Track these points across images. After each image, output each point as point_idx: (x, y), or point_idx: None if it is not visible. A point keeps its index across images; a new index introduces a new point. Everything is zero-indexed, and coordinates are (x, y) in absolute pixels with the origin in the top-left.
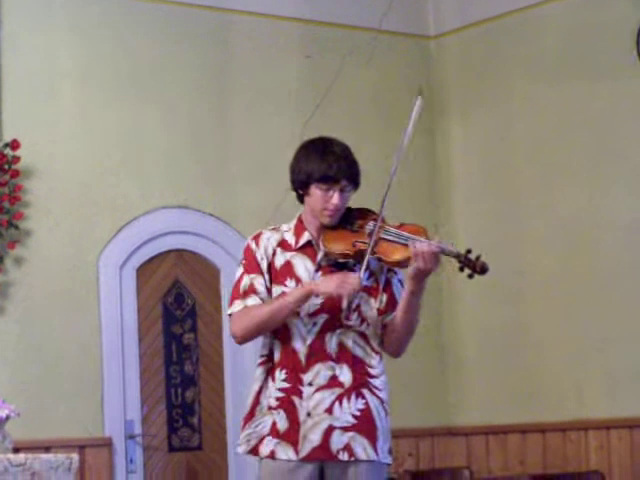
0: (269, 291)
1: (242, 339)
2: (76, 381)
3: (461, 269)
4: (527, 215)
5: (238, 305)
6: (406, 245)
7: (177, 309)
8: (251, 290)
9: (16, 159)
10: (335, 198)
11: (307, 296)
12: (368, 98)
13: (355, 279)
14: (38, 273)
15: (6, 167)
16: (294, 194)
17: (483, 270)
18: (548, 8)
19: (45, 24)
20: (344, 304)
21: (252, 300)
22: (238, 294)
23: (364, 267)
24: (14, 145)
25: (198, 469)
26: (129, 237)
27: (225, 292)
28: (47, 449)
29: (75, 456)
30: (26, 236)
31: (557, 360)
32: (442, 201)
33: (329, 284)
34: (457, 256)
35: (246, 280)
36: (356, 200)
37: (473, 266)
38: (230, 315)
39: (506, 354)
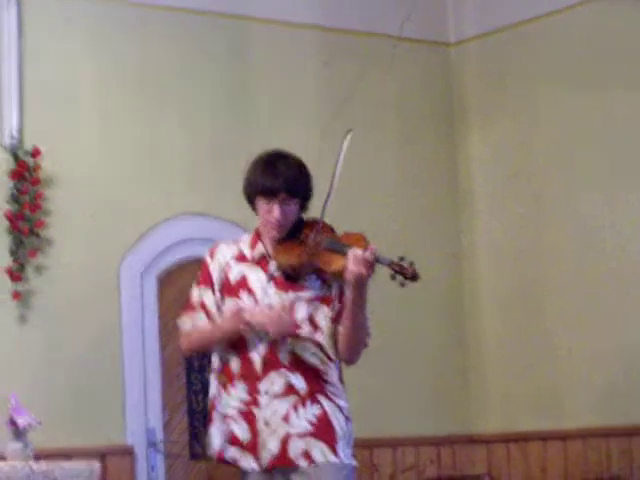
0: (218, 306)
1: (189, 354)
2: (98, 389)
3: (392, 277)
4: (549, 222)
5: (186, 322)
6: (344, 254)
7: None
8: (200, 306)
9: (37, 167)
10: (275, 211)
11: (241, 323)
12: (388, 106)
13: (289, 322)
14: (59, 281)
15: (27, 175)
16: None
17: (414, 277)
18: (569, 15)
19: (65, 34)
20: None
21: (199, 319)
22: (190, 308)
23: (305, 277)
24: (35, 153)
25: (219, 477)
26: (150, 245)
27: None
28: (69, 457)
29: (96, 464)
30: (47, 244)
31: (578, 367)
32: (463, 209)
33: (264, 318)
34: (390, 264)
35: (197, 294)
36: (371, 206)
37: (404, 273)
38: (180, 330)
39: (527, 361)
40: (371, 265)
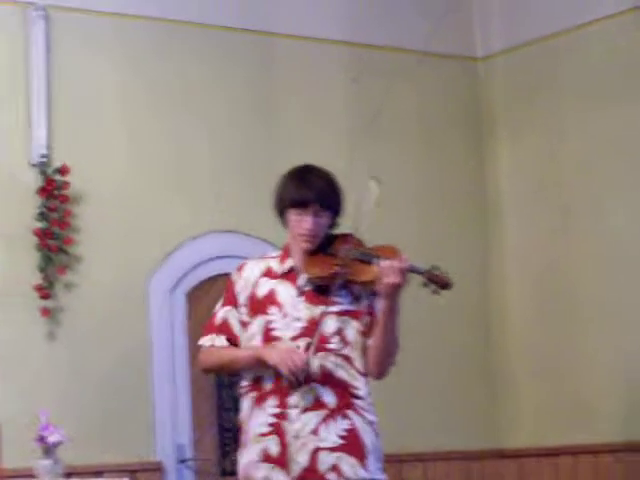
0: (245, 324)
1: (207, 372)
2: (127, 406)
3: (425, 285)
4: (578, 234)
5: (209, 341)
6: (375, 264)
7: None
8: (224, 326)
9: (65, 184)
10: (307, 222)
11: (257, 359)
12: (416, 120)
13: (299, 358)
14: (88, 298)
15: (55, 193)
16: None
17: (446, 285)
18: (597, 28)
19: (93, 50)
20: (285, 375)
21: (220, 340)
22: (212, 327)
23: (335, 290)
24: (63, 170)
25: None
26: (179, 262)
27: None
28: (98, 474)
29: None
30: (76, 262)
31: (608, 380)
32: (492, 221)
33: (275, 356)
34: (422, 273)
35: (222, 313)
36: (401, 219)
37: (436, 281)
38: (200, 345)
39: (557, 374)
40: (404, 274)
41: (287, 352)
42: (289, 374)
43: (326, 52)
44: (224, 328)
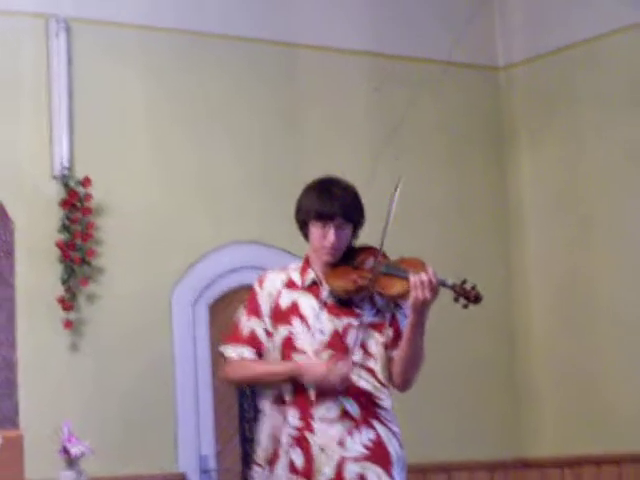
0: (270, 334)
1: (237, 385)
2: (150, 417)
3: (456, 299)
4: (599, 244)
5: (235, 352)
6: (405, 278)
7: None
8: (250, 337)
9: (88, 196)
10: (331, 235)
11: (294, 375)
12: (438, 130)
13: (343, 367)
14: (111, 310)
15: (78, 205)
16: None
17: (477, 299)
18: (618, 38)
19: (115, 61)
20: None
21: (248, 352)
22: (237, 337)
23: (365, 302)
24: (85, 182)
25: None
26: (201, 273)
27: None
28: None
29: None
30: (98, 273)
31: (631, 389)
32: (514, 232)
33: (317, 373)
34: (453, 287)
35: (247, 324)
36: (423, 229)
37: (468, 296)
38: (224, 356)
39: (579, 384)
40: (435, 288)
41: (329, 367)
42: (341, 383)
43: (348, 62)
44: (251, 340)
